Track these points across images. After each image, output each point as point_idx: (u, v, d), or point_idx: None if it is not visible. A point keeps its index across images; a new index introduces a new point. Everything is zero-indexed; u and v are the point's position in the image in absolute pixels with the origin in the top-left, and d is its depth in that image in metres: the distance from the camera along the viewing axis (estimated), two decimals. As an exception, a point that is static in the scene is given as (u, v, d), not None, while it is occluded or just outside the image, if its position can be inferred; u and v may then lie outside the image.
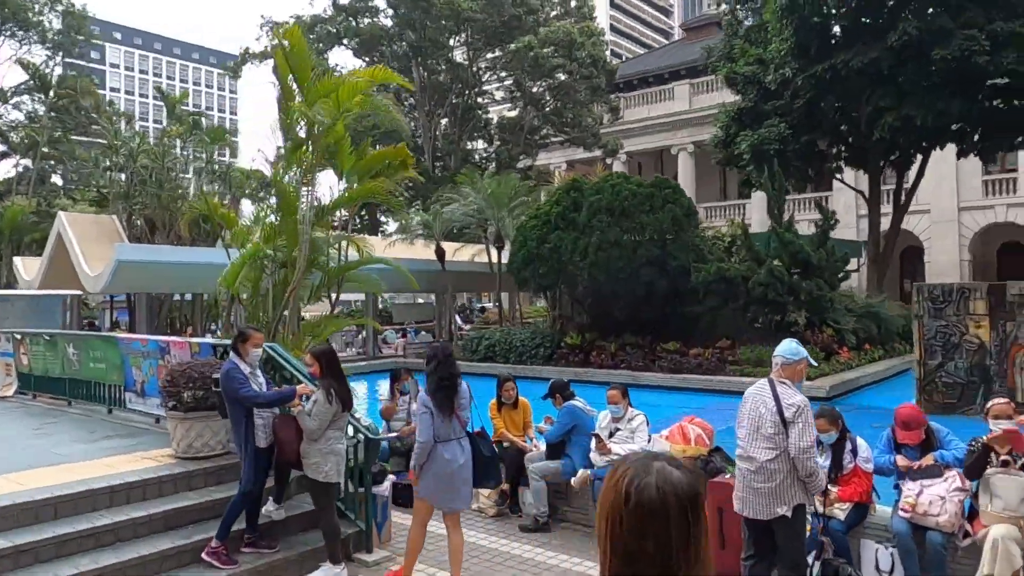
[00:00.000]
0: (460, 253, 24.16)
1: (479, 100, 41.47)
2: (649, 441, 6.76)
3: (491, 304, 49.33)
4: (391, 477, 7.12)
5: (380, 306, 26.43)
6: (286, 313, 8.61)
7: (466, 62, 38.72)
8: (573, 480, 6.94)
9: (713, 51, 26.90)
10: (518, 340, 18.90)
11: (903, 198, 23.66)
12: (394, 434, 7.00)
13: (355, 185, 8.93)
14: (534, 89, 38.42)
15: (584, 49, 35.50)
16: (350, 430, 6.25)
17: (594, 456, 6.98)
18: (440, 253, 21.45)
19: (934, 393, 12.66)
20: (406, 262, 17.24)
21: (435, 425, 5.26)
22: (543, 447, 7.76)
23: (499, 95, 44.08)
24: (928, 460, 5.61)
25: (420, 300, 37.99)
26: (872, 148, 22.39)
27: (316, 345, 5.90)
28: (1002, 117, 20.89)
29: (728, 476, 6.09)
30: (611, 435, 7.06)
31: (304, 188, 8.47)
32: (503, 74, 40.64)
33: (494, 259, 22.83)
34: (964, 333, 12.44)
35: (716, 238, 19.54)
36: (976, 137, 21.87)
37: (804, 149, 22.58)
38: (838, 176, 25.96)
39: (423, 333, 27.92)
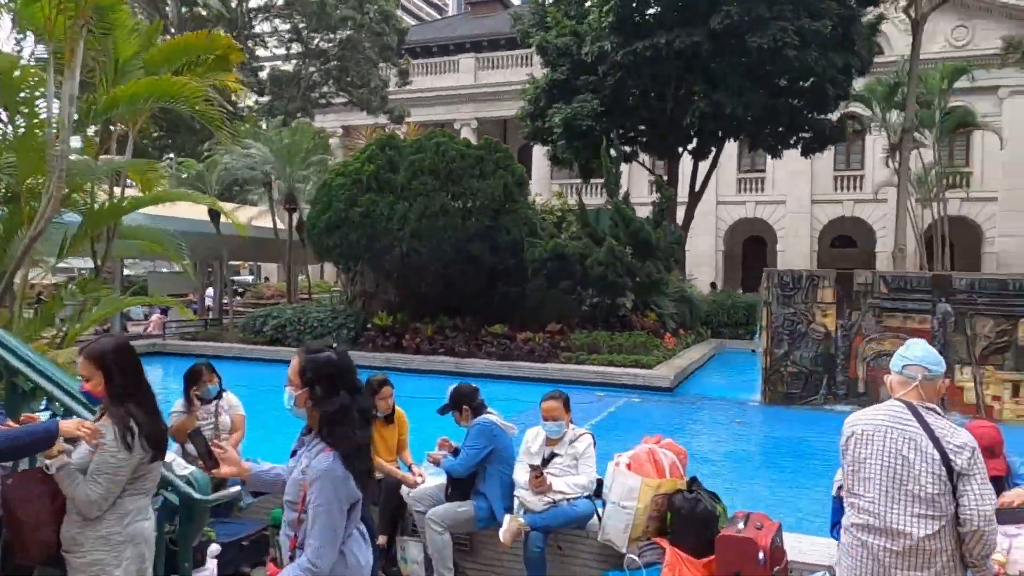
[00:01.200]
0: (238, 216, 20.33)
1: (249, 44, 36.54)
2: (611, 478, 4.80)
3: (251, 276, 44.33)
4: (214, 548, 4.40)
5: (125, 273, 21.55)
6: (17, 281, 5.30)
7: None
8: (502, 532, 4.76)
9: (522, 19, 25.55)
10: (315, 319, 16.01)
11: (698, 188, 24.18)
12: (234, 489, 4.30)
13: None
14: (317, 41, 34.61)
15: (375, 2, 32.52)
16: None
17: (525, 495, 4.89)
18: (215, 213, 17.69)
19: (778, 383, 12.27)
20: (168, 221, 13.64)
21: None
22: (430, 477, 5.51)
23: (273, 44, 39.34)
24: (1017, 498, 4.23)
25: (177, 269, 32.50)
26: (676, 135, 22.51)
27: (98, 340, 3.15)
28: (790, 114, 21.95)
29: (738, 528, 4.35)
30: (546, 462, 5.01)
31: (58, 76, 5.21)
32: (278, 21, 36.21)
33: (282, 224, 19.46)
34: (811, 321, 12.14)
35: (546, 212, 18.16)
36: (766, 131, 22.83)
37: (613, 128, 22.07)
38: (639, 160, 26.00)
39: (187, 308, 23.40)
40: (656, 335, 15.30)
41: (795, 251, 32.69)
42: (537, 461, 4.99)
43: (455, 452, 5.24)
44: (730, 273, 36.19)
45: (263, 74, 36.75)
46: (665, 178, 23.72)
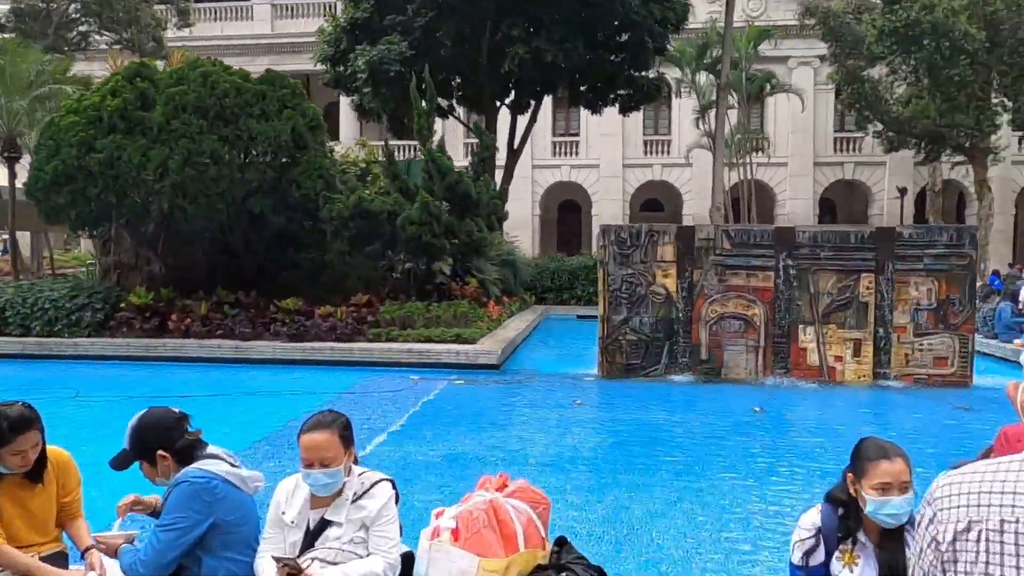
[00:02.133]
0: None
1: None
2: (427, 559, 2.74)
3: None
4: None
5: None
6: None
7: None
8: None
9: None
10: (47, 300, 12.44)
11: (516, 144, 22.61)
12: None
13: None
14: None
15: (143, -77, 27.61)
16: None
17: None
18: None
19: (617, 354, 10.87)
20: None
21: None
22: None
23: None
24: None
25: None
26: (493, 85, 20.71)
27: None
28: (609, 69, 20.93)
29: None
30: (313, 538, 2.84)
31: None
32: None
33: (2, 178, 15.27)
34: (651, 283, 10.82)
35: (348, 163, 15.55)
36: (586, 87, 21.67)
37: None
38: (455, 115, 23.94)
39: None
40: (478, 304, 13.48)
41: (608, 215, 32.44)
42: (296, 537, 2.83)
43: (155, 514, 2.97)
44: (547, 240, 35.51)
45: (3, 6, 30.34)
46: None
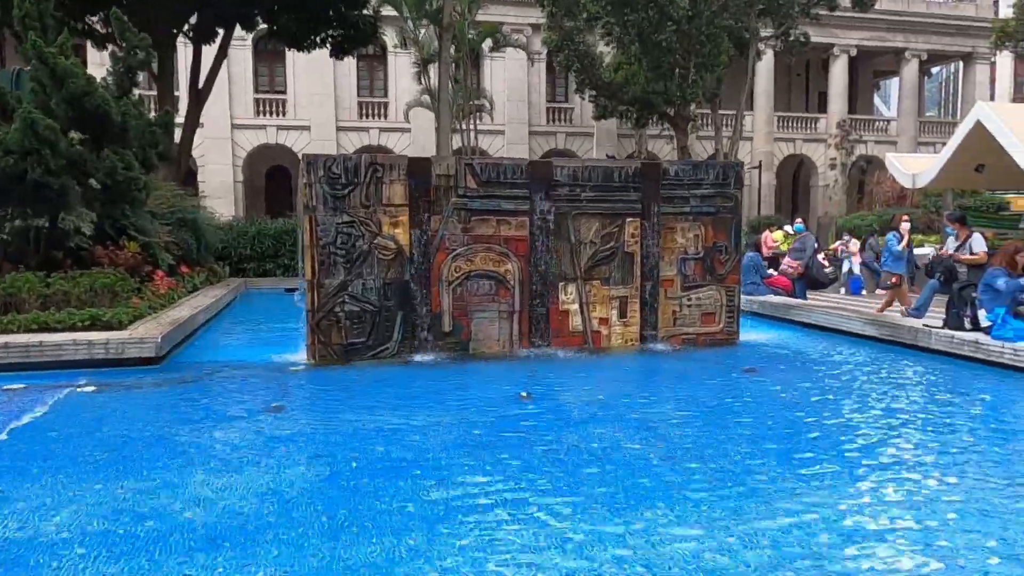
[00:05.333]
0: None
1: None
2: None
3: None
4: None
5: None
6: None
7: None
8: None
9: None
10: None
11: (202, 84, 18.37)
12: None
13: None
14: None
15: None
16: None
17: None
18: None
19: (332, 331, 8.03)
20: None
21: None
22: None
23: None
24: None
25: None
26: (167, 5, 16.31)
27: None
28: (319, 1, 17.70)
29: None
30: None
31: None
32: None
33: None
34: (376, 234, 8.11)
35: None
36: (289, 18, 18.12)
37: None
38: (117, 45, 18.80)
39: None
40: (138, 274, 9.72)
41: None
42: None
43: None
44: (256, 210, 31.08)
45: None
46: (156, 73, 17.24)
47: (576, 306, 8.61)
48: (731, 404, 6.50)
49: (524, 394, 6.64)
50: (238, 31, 19.05)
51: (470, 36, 24.95)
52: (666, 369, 8.23)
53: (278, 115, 31.08)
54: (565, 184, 8.45)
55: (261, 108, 30.97)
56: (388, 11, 24.51)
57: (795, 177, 38.40)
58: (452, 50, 23.92)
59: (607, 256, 8.64)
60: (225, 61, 19.80)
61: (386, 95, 32.03)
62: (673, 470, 4.47)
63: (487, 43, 27.65)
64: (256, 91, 30.86)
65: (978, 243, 9.93)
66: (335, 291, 7.97)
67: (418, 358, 8.12)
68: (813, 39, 28.41)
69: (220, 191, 29.11)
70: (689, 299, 8.99)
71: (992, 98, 45.64)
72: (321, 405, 6.62)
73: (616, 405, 6.32)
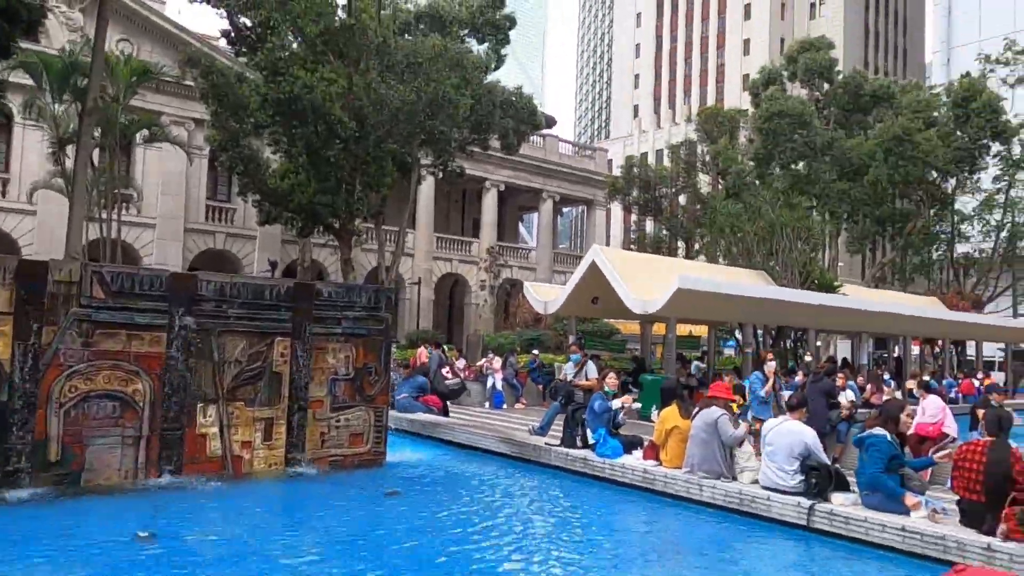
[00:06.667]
0: None
1: None
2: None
3: None
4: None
5: None
6: None
7: None
8: None
9: None
10: None
11: None
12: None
13: None
14: None
15: None
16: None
17: None
18: None
19: None
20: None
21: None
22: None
23: None
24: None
25: None
26: None
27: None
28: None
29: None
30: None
31: None
32: None
33: None
34: (-35, 346, 6.75)
35: None
36: None
37: None
38: None
39: None
40: None
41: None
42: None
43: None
44: None
45: None
46: None
47: (216, 429, 8.04)
48: (371, 534, 6.51)
49: (143, 533, 5.92)
50: None
51: (122, 122, 22.95)
52: (309, 496, 8.00)
53: None
54: (211, 299, 8.02)
55: None
56: (18, 78, 21.62)
57: (451, 295, 41.27)
58: (97, 133, 21.73)
59: (253, 376, 8.29)
60: None
61: (7, 170, 27.68)
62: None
63: (142, 132, 25.73)
64: None
65: (592, 370, 11.54)
66: None
67: (14, 494, 6.79)
68: (468, 172, 31.53)
69: None
70: (338, 420, 8.96)
71: (608, 238, 54.84)
72: None
73: (243, 541, 5.93)
